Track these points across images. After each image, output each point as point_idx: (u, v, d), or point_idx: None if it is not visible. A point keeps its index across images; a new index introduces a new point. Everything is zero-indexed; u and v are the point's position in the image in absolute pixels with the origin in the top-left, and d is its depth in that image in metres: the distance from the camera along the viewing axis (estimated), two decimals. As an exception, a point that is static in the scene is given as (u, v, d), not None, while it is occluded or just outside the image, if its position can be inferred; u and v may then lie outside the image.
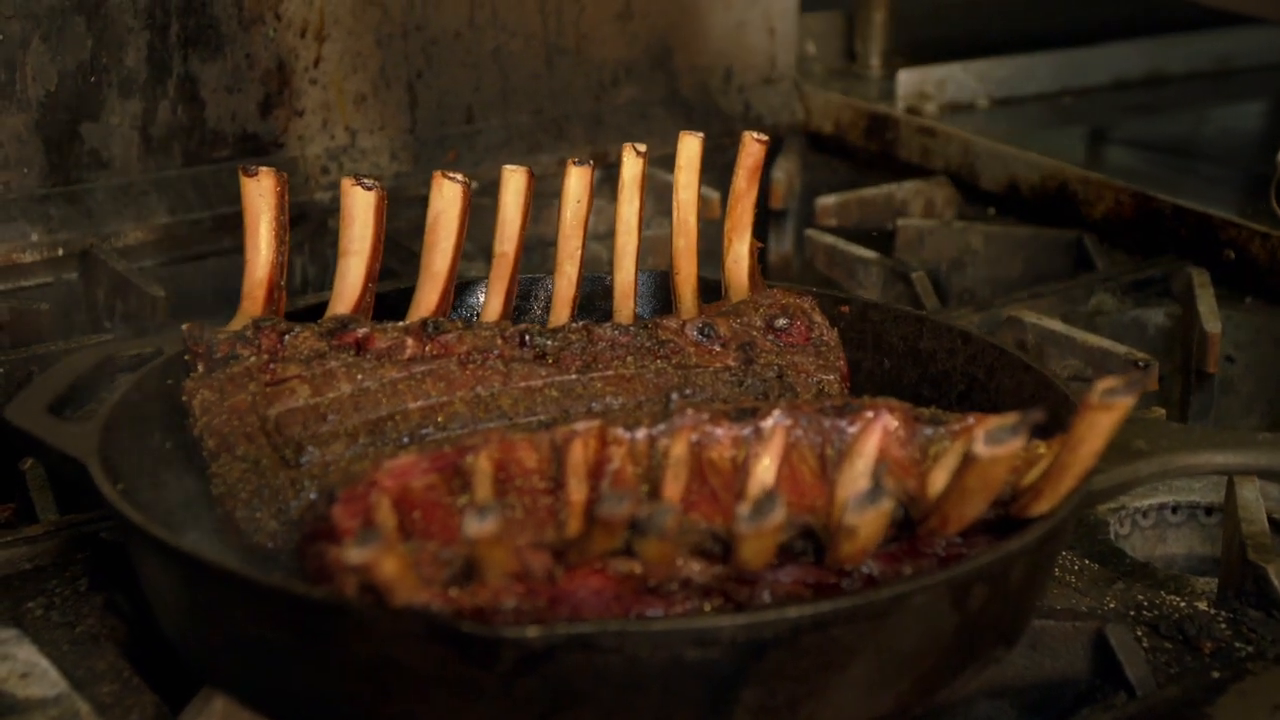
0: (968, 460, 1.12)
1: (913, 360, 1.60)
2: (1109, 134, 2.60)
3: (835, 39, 2.78)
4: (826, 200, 2.37)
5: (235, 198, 1.60)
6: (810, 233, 2.27)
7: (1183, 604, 1.49)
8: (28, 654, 1.33)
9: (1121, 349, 1.86)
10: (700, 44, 2.52)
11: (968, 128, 2.49)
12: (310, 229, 2.16)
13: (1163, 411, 1.76)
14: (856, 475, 1.23)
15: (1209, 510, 1.73)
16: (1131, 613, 1.48)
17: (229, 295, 1.58)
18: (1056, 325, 1.93)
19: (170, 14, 2.09)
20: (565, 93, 2.42)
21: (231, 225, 2.07)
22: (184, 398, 1.42)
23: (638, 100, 2.48)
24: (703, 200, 2.13)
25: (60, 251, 2.05)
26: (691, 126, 2.51)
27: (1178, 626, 1.45)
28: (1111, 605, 1.49)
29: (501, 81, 2.36)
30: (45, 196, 2.05)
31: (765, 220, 2.44)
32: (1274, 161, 2.13)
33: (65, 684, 1.30)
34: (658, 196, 2.04)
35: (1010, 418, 1.13)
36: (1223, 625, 1.46)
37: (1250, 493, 1.57)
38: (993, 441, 1.09)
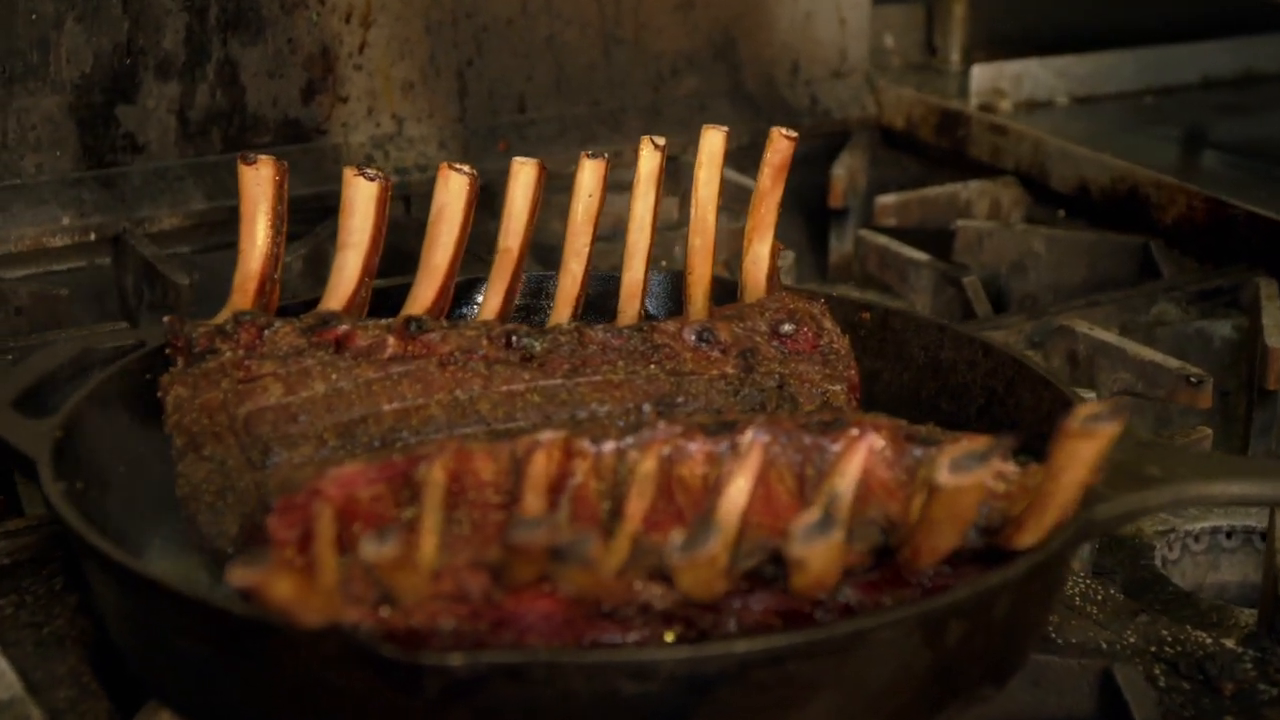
0: (932, 490, 1.03)
1: (933, 372, 1.51)
2: (1193, 136, 2.47)
3: (915, 32, 2.68)
4: (886, 199, 2.27)
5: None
6: (863, 233, 2.18)
7: (1209, 641, 1.40)
8: (-11, 656, 1.29)
9: (1174, 364, 1.76)
10: (766, 35, 2.44)
11: (1044, 126, 2.39)
12: (349, 218, 2.11)
13: (1209, 432, 1.66)
14: (834, 498, 1.14)
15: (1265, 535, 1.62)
16: (1151, 649, 1.38)
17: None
18: (1110, 336, 1.82)
19: (209, -5, 2.05)
20: (623, 83, 2.34)
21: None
22: (159, 393, 1.37)
23: (699, 92, 2.40)
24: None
25: (92, 236, 2.01)
26: (755, 120, 2.43)
27: (1198, 665, 1.35)
28: (1131, 640, 1.39)
29: (555, 71, 2.29)
30: (78, 180, 2.02)
31: (825, 219, 2.35)
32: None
33: (20, 688, 1.26)
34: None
35: (980, 443, 1.04)
36: (1248, 665, 1.36)
37: (1291, 523, 1.47)
38: (957, 470, 1.00)
